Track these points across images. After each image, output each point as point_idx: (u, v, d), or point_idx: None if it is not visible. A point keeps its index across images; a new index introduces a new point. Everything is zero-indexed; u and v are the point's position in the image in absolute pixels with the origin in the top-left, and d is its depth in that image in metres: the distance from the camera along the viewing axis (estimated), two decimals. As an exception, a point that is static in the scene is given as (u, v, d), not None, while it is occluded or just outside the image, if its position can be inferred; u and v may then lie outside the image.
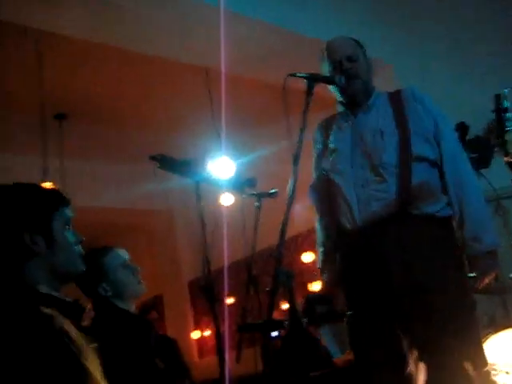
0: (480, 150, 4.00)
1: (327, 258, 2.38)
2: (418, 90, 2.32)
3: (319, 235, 2.44)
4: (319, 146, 2.42)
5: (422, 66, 4.44)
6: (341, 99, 2.36)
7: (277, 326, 1.71)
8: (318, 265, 2.45)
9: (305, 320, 1.64)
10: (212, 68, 4.30)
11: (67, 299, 1.40)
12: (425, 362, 2.07)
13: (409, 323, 2.09)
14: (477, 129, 4.14)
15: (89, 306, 1.45)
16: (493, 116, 4.19)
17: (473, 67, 4.40)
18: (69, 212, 1.49)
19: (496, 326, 2.97)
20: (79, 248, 1.50)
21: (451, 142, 2.26)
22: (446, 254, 2.14)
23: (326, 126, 2.43)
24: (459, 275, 2.15)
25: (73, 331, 1.26)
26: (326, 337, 2.32)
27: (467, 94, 4.29)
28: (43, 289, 1.37)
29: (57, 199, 1.49)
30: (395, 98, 2.31)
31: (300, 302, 1.75)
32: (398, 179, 2.15)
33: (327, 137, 2.38)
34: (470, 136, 4.01)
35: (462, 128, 3.96)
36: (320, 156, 2.40)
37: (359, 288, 2.18)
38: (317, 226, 2.46)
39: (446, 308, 2.04)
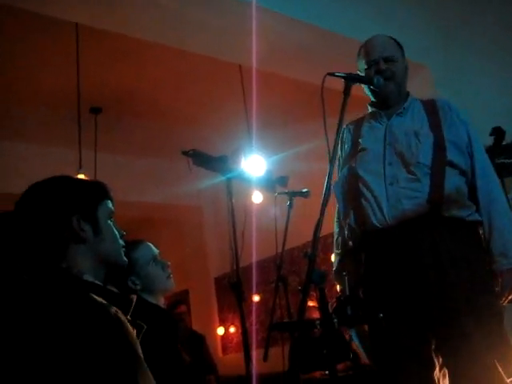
0: (516, 156, 3.93)
1: (349, 259, 2.34)
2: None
3: (337, 236, 2.42)
4: (348, 145, 2.41)
5: (460, 69, 4.38)
6: (374, 100, 2.35)
7: (309, 325, 1.70)
8: (335, 267, 2.41)
9: (335, 321, 1.62)
10: (246, 65, 4.30)
11: (115, 290, 1.41)
12: (450, 367, 2.05)
13: (437, 328, 2.06)
14: (513, 134, 4.07)
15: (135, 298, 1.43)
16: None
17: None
18: (112, 205, 1.51)
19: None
20: (122, 241, 1.51)
21: (483, 156, 2.28)
22: (477, 259, 2.14)
23: (355, 127, 2.42)
24: (489, 281, 2.13)
25: (126, 321, 1.26)
26: (355, 339, 2.30)
27: (505, 98, 4.22)
28: (88, 278, 1.37)
29: (102, 191, 1.51)
30: (430, 106, 2.32)
31: (331, 302, 1.74)
32: (432, 180, 2.13)
33: (357, 137, 2.37)
34: (506, 141, 3.94)
35: (498, 133, 3.90)
36: (347, 155, 2.39)
37: (387, 289, 2.14)
38: (335, 226, 2.44)
39: (475, 314, 2.02)
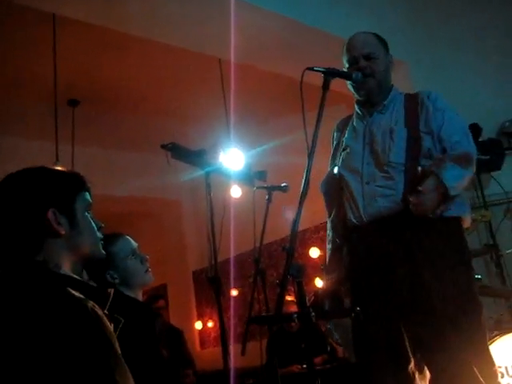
0: (492, 153, 3.99)
1: (334, 256, 2.37)
2: (435, 92, 2.28)
3: (329, 232, 2.45)
4: (336, 143, 2.44)
5: (438, 66, 4.42)
6: (357, 97, 2.36)
7: (287, 319, 1.70)
8: (325, 262, 2.44)
9: (313, 315, 1.63)
10: (225, 58, 4.28)
11: (92, 284, 1.37)
12: (428, 363, 2.07)
13: (412, 324, 2.08)
14: (489, 131, 4.13)
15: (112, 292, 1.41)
16: (505, 118, 4.20)
17: (489, 71, 4.37)
18: (89, 197, 1.48)
19: (502, 329, 2.97)
20: (100, 234, 1.48)
21: (454, 137, 2.17)
22: (453, 257, 2.12)
23: (342, 126, 2.46)
24: (466, 278, 2.12)
25: (104, 316, 1.24)
26: (332, 333, 2.32)
27: (481, 96, 4.27)
28: (65, 272, 1.34)
29: (79, 182, 1.46)
30: (411, 99, 2.30)
31: (309, 296, 1.75)
32: (406, 177, 2.13)
33: (343, 136, 2.40)
34: (482, 138, 4.00)
35: (474, 129, 3.95)
36: (334, 153, 2.43)
37: (364, 285, 2.17)
38: (327, 223, 2.47)
39: (451, 310, 2.02)
